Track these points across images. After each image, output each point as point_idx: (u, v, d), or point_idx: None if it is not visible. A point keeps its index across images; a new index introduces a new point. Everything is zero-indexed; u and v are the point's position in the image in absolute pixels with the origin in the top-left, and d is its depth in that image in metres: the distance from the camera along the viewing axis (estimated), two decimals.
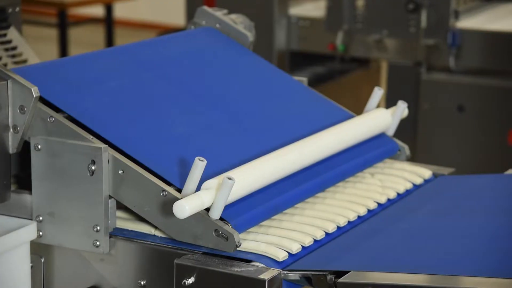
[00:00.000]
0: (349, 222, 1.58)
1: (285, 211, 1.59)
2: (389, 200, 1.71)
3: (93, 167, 1.48)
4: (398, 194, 1.73)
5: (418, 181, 1.80)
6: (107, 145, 1.49)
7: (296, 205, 1.61)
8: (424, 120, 3.46)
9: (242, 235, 1.46)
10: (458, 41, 3.34)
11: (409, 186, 1.77)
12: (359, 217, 1.61)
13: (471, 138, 3.41)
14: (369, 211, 1.64)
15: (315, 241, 1.50)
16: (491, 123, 3.36)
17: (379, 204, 1.68)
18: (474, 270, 1.36)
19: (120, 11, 7.93)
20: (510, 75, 3.39)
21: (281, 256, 1.43)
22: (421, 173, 1.83)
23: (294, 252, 1.44)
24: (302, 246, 1.47)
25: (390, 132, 1.89)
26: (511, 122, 3.31)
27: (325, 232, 1.52)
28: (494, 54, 3.36)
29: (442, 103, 3.43)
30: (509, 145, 3.32)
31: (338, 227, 1.55)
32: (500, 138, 3.33)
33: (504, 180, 1.83)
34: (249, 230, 1.50)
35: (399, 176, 1.79)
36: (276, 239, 1.47)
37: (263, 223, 1.53)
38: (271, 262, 1.42)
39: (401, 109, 1.89)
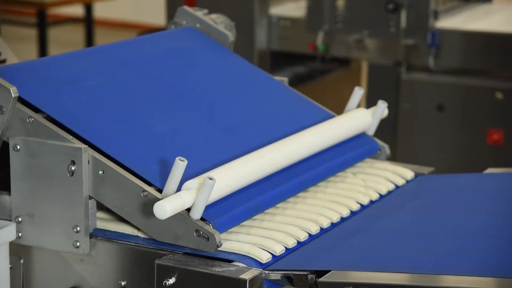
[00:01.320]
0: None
1: (267, 211, 1.59)
2: (371, 200, 1.71)
3: (73, 168, 1.47)
4: (380, 195, 1.74)
5: (401, 182, 1.81)
6: (87, 146, 1.49)
7: (277, 205, 1.61)
8: (404, 120, 3.47)
9: (223, 235, 1.46)
10: (437, 41, 3.36)
11: (391, 187, 1.78)
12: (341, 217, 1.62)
13: (450, 137, 3.43)
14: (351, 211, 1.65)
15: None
16: (470, 122, 3.38)
17: (361, 204, 1.68)
18: (455, 269, 1.37)
19: (100, 11, 7.90)
20: (489, 75, 3.42)
21: (265, 258, 1.43)
22: (403, 173, 1.83)
23: (277, 254, 1.45)
24: (285, 247, 1.47)
25: (371, 131, 1.90)
26: (490, 121, 3.34)
27: (308, 234, 1.53)
28: (473, 54, 3.38)
29: (422, 102, 3.44)
30: (488, 144, 3.34)
31: (321, 228, 1.56)
32: (479, 137, 3.35)
33: (486, 179, 1.84)
34: (231, 230, 1.50)
35: (381, 176, 1.80)
36: (259, 240, 1.47)
37: (245, 223, 1.54)
38: (252, 262, 1.42)
39: (381, 108, 1.90)
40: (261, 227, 1.53)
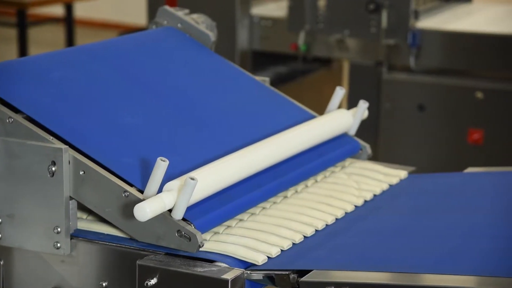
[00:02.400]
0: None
1: (248, 211, 1.59)
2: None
3: (53, 168, 1.46)
4: (374, 195, 1.74)
5: (394, 181, 1.81)
6: (67, 146, 1.48)
7: (268, 205, 1.61)
8: (385, 119, 3.49)
9: (205, 235, 1.46)
10: (418, 41, 3.38)
11: (385, 187, 1.77)
12: None
13: (431, 137, 3.45)
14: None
15: None
16: (451, 122, 3.40)
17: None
18: (439, 268, 1.37)
19: (81, 11, 7.86)
20: (469, 75, 3.44)
21: (261, 259, 1.42)
22: (397, 174, 1.83)
23: (273, 256, 1.44)
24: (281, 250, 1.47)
25: (352, 131, 1.91)
26: (470, 121, 3.36)
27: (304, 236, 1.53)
28: (454, 53, 3.40)
29: (403, 102, 3.46)
30: (468, 144, 3.36)
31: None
32: (459, 136, 3.37)
33: (479, 178, 1.84)
34: (213, 230, 1.50)
35: (374, 178, 1.80)
36: (252, 242, 1.47)
37: (227, 223, 1.53)
38: (234, 262, 1.42)
39: (362, 108, 1.90)
40: (243, 227, 1.53)
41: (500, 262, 1.38)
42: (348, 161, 1.87)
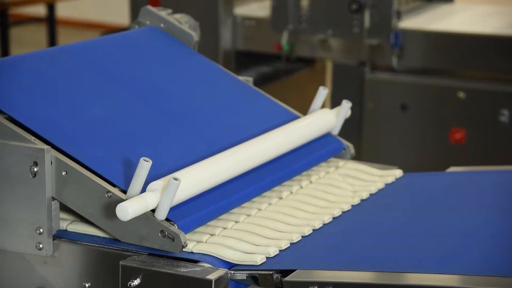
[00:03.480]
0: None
1: (232, 211, 1.58)
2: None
3: (35, 169, 1.45)
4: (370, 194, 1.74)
5: (390, 179, 1.81)
6: (49, 146, 1.47)
7: (264, 207, 1.61)
8: (368, 119, 3.50)
9: (188, 236, 1.46)
10: (400, 41, 3.39)
11: (380, 186, 1.77)
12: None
13: (414, 136, 3.46)
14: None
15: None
16: (433, 122, 3.42)
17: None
18: (438, 267, 1.36)
19: (63, 11, 7.82)
20: (451, 75, 3.46)
21: (259, 259, 1.40)
22: (392, 173, 1.83)
23: (272, 255, 1.43)
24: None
25: (335, 131, 1.91)
26: (453, 120, 3.38)
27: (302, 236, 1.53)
28: (436, 53, 3.42)
29: (386, 102, 3.47)
30: (450, 143, 3.38)
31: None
32: (442, 136, 3.39)
33: (474, 177, 1.83)
34: (197, 230, 1.50)
35: (370, 178, 1.79)
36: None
37: (210, 223, 1.53)
38: (218, 262, 1.42)
39: (346, 108, 1.91)
40: (226, 228, 1.52)
41: (500, 261, 1.37)
42: (342, 162, 1.87)
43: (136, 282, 1.38)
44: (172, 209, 1.43)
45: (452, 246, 1.46)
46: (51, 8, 6.02)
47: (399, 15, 3.45)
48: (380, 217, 1.62)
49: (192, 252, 1.43)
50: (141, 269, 1.38)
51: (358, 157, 2.02)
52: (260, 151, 1.66)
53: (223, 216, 1.56)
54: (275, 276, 1.39)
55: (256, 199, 1.64)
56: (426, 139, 3.44)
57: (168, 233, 1.41)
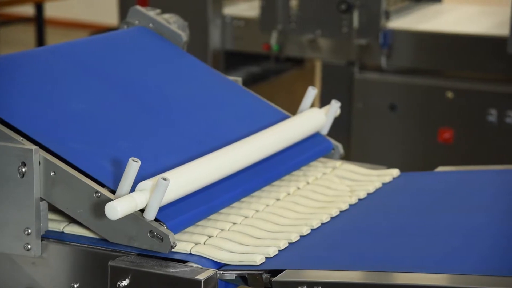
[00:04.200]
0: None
1: (221, 211, 1.58)
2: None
3: (23, 169, 1.45)
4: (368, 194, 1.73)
5: (387, 179, 1.80)
6: (37, 147, 1.47)
7: (261, 208, 1.60)
8: (357, 119, 3.50)
9: (177, 236, 1.45)
10: (389, 41, 3.40)
11: (378, 185, 1.77)
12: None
13: (402, 136, 3.47)
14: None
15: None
16: (421, 121, 3.43)
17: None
18: (439, 267, 1.35)
19: (51, 10, 7.79)
20: (439, 75, 3.47)
21: (258, 259, 1.40)
22: (389, 172, 1.83)
23: (271, 256, 1.43)
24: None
25: (324, 131, 1.91)
26: (441, 120, 3.39)
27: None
28: (424, 53, 3.43)
29: (375, 102, 3.48)
30: (439, 143, 3.39)
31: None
32: (430, 136, 3.40)
33: (474, 176, 1.83)
34: (186, 230, 1.49)
35: (367, 178, 1.79)
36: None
37: (200, 222, 1.53)
38: (207, 262, 1.42)
39: (335, 108, 1.91)
40: (216, 227, 1.52)
41: (500, 261, 1.37)
42: (338, 163, 1.86)
43: (125, 282, 1.38)
44: (161, 209, 1.43)
45: (452, 246, 1.45)
46: (39, 8, 6.00)
47: (387, 15, 3.46)
48: (379, 217, 1.62)
49: (181, 252, 1.43)
50: (130, 270, 1.38)
51: (347, 157, 2.02)
52: (250, 151, 1.65)
53: (221, 218, 1.55)
54: (264, 276, 1.39)
55: (253, 200, 1.64)
56: (414, 138, 3.45)
57: (157, 234, 1.41)
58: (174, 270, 1.37)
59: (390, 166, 1.91)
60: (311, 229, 1.55)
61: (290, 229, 1.53)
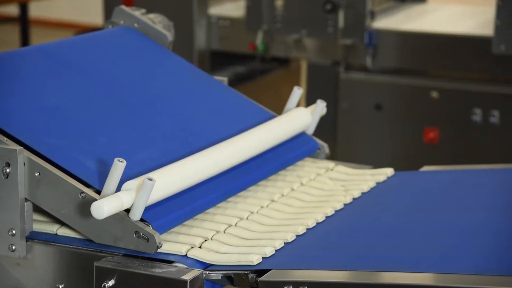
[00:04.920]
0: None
1: (207, 211, 1.58)
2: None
3: (7, 170, 1.44)
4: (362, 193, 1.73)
5: (382, 178, 1.80)
6: (22, 147, 1.46)
7: (255, 210, 1.60)
8: (343, 119, 3.51)
9: (163, 236, 1.45)
10: (374, 41, 3.41)
11: (372, 185, 1.76)
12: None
13: (388, 135, 3.48)
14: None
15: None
16: (407, 121, 3.44)
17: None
18: (439, 267, 1.35)
19: (36, 10, 7.75)
20: (424, 74, 3.48)
21: (255, 259, 1.40)
22: (383, 172, 1.83)
23: (268, 255, 1.42)
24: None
25: (310, 130, 1.92)
26: (426, 120, 3.40)
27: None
28: (409, 53, 3.44)
29: (360, 101, 3.49)
30: (424, 143, 3.41)
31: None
32: (415, 135, 3.41)
33: (470, 175, 1.83)
34: (172, 230, 1.49)
35: (361, 180, 1.79)
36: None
37: (186, 222, 1.53)
38: (193, 262, 1.41)
39: (320, 107, 1.91)
40: (202, 227, 1.52)
41: (499, 260, 1.37)
42: (331, 164, 1.85)
43: (111, 283, 1.37)
44: (147, 209, 1.42)
45: (450, 245, 1.44)
46: (23, 7, 5.96)
47: (373, 15, 3.47)
48: (376, 216, 1.61)
49: (167, 253, 1.43)
50: (116, 270, 1.37)
51: (332, 156, 2.02)
52: (235, 151, 1.65)
53: (216, 219, 1.55)
54: (250, 276, 1.38)
55: (239, 199, 1.63)
56: (400, 138, 3.46)
57: (143, 234, 1.40)
58: (160, 270, 1.37)
59: (375, 166, 1.91)
60: (310, 228, 1.54)
61: (285, 228, 1.53)
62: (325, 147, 1.92)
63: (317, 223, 1.57)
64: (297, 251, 1.45)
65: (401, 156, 3.46)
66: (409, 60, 3.44)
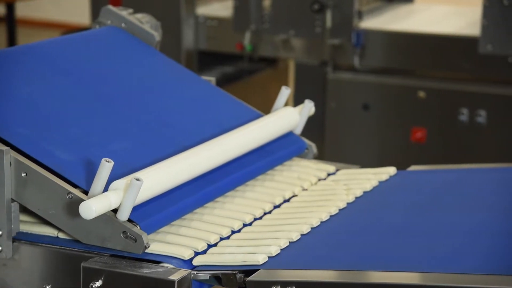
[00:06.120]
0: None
1: (196, 211, 1.58)
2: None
3: None
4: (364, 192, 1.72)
5: (384, 177, 1.80)
6: (8, 147, 1.45)
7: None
8: (331, 119, 3.52)
9: (151, 236, 1.45)
10: (362, 41, 3.42)
11: (375, 183, 1.76)
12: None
13: (376, 135, 3.49)
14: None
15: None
16: (394, 121, 3.45)
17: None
18: (441, 267, 1.35)
19: (23, 10, 7.72)
20: (412, 74, 3.49)
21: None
22: (385, 171, 1.82)
23: (273, 255, 1.41)
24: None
25: (298, 130, 1.92)
26: (414, 119, 3.41)
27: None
28: (397, 53, 3.45)
29: (348, 101, 3.50)
30: (411, 142, 3.42)
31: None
32: (403, 135, 3.43)
33: (470, 175, 1.82)
34: (160, 230, 1.49)
35: (363, 179, 1.78)
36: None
37: (174, 222, 1.52)
38: (180, 262, 1.41)
39: (308, 107, 1.91)
40: (190, 227, 1.52)
41: (503, 260, 1.36)
42: (332, 168, 1.84)
43: (98, 283, 1.37)
44: (134, 210, 1.42)
45: (453, 245, 1.44)
46: (10, 7, 5.93)
47: (360, 15, 3.47)
48: (379, 216, 1.61)
49: (155, 253, 1.42)
50: (103, 271, 1.37)
51: (320, 156, 2.02)
52: (224, 150, 1.65)
53: (217, 221, 1.54)
54: (238, 276, 1.38)
55: (250, 203, 1.63)
56: (387, 138, 3.47)
57: (130, 234, 1.40)
58: (148, 270, 1.36)
59: (363, 165, 1.91)
60: (314, 227, 1.53)
61: (290, 228, 1.52)
62: (313, 147, 1.92)
63: (321, 222, 1.56)
64: (302, 250, 1.45)
65: (389, 155, 3.47)
66: (396, 60, 3.46)
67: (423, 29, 3.44)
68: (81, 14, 7.16)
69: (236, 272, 1.39)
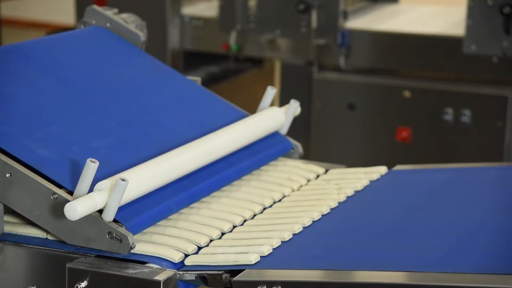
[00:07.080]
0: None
1: (181, 211, 1.57)
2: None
3: None
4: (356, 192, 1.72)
5: (375, 176, 1.80)
6: None
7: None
8: (316, 118, 3.52)
9: (137, 237, 1.44)
10: (347, 41, 3.43)
11: (366, 183, 1.75)
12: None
13: (361, 135, 3.50)
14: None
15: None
16: (380, 120, 3.46)
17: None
18: (438, 266, 1.34)
19: (7, 10, 7.67)
20: (397, 74, 3.51)
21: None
22: (376, 170, 1.82)
23: (265, 254, 1.41)
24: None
25: (284, 130, 1.92)
26: (399, 119, 3.42)
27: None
28: (382, 53, 3.46)
29: (333, 101, 3.50)
30: (397, 142, 3.43)
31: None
32: (388, 134, 3.44)
33: (464, 173, 1.82)
34: (146, 230, 1.48)
35: (354, 178, 1.78)
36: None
37: (160, 222, 1.52)
38: (166, 263, 1.41)
39: (294, 107, 1.92)
40: (176, 227, 1.52)
41: (500, 259, 1.36)
42: (321, 169, 1.84)
43: (83, 284, 1.36)
44: (120, 210, 1.42)
45: (447, 244, 1.44)
46: None
47: (345, 15, 3.48)
48: (372, 215, 1.61)
49: (141, 254, 1.42)
50: (89, 271, 1.37)
51: (306, 156, 2.02)
52: (209, 150, 1.65)
53: (205, 221, 1.54)
54: (224, 276, 1.38)
55: (240, 204, 1.62)
56: (373, 137, 3.49)
57: (116, 235, 1.40)
58: (133, 271, 1.36)
59: (349, 165, 1.92)
60: (306, 227, 1.53)
61: (282, 227, 1.52)
62: (298, 146, 1.93)
63: (313, 222, 1.56)
64: (294, 250, 1.44)
65: (374, 155, 3.48)
66: (381, 60, 3.47)
67: (408, 29, 3.46)
68: (66, 14, 7.13)
69: (222, 272, 1.39)
